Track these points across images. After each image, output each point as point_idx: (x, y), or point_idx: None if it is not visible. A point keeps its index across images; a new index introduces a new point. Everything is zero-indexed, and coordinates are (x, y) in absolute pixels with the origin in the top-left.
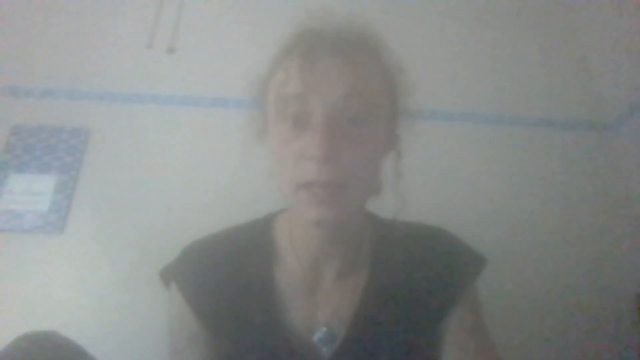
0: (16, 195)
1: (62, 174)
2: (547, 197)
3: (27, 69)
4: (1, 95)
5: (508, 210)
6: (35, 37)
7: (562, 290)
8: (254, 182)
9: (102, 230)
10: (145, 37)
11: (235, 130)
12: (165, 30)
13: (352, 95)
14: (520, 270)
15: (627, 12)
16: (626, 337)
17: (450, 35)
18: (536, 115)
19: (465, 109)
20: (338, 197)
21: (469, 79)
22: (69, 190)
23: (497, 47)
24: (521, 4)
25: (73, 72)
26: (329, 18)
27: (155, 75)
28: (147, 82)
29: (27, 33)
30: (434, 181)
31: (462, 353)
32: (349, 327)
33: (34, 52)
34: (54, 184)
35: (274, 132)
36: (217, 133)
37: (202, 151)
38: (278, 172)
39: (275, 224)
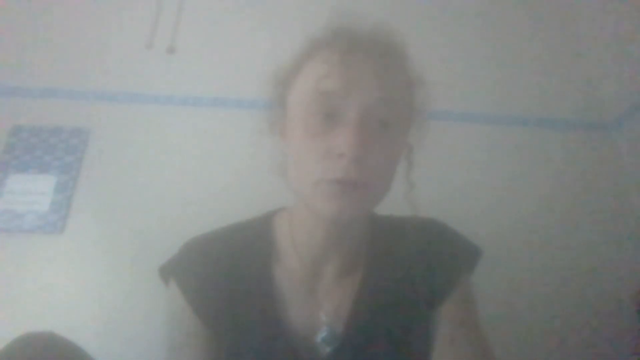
0: (16, 195)
1: (62, 174)
2: (547, 197)
3: (27, 69)
4: (1, 95)
5: (508, 210)
6: (35, 37)
7: (562, 290)
8: (255, 181)
9: (102, 230)
10: (145, 37)
11: (235, 130)
12: (165, 30)
13: (386, 100)
14: (520, 270)
15: (627, 11)
16: (626, 337)
17: (450, 35)
18: (536, 115)
19: (465, 109)
20: (357, 196)
21: (469, 79)
22: (69, 191)
23: (497, 47)
24: (521, 3)
25: (73, 72)
26: (358, 20)
27: (155, 75)
28: (147, 82)
29: (27, 33)
30: (434, 181)
31: (452, 346)
32: (346, 324)
33: (34, 52)
34: (54, 184)
35: (299, 124)
36: (216, 133)
37: (202, 151)
38: (297, 164)
39: (275, 222)
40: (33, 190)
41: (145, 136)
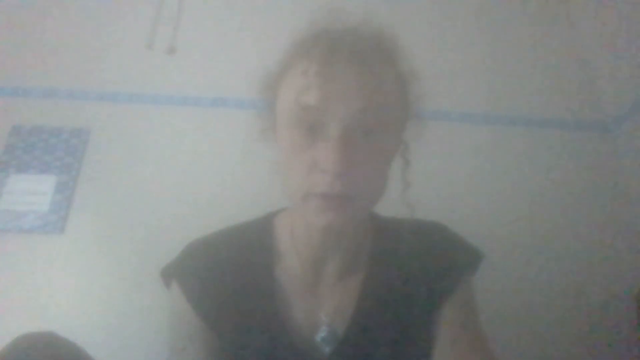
0: (16, 195)
1: (62, 174)
2: (547, 197)
3: (27, 69)
4: (1, 95)
5: (507, 210)
6: (36, 37)
7: (562, 290)
8: (254, 182)
9: (102, 231)
10: (145, 37)
11: (235, 130)
12: (165, 30)
13: (369, 109)
14: (520, 271)
15: (627, 11)
16: (626, 337)
17: (449, 35)
18: (536, 115)
19: (465, 109)
20: (348, 206)
21: (469, 79)
22: (69, 191)
23: (497, 47)
24: (521, 3)
25: (73, 72)
26: (344, 18)
27: (155, 75)
28: (147, 82)
29: (27, 33)
30: (434, 181)
31: (452, 348)
32: (348, 325)
33: (34, 52)
34: (54, 184)
35: (285, 136)
36: (217, 133)
37: (202, 151)
38: (286, 177)
39: (275, 223)
40: (33, 190)
41: (145, 136)
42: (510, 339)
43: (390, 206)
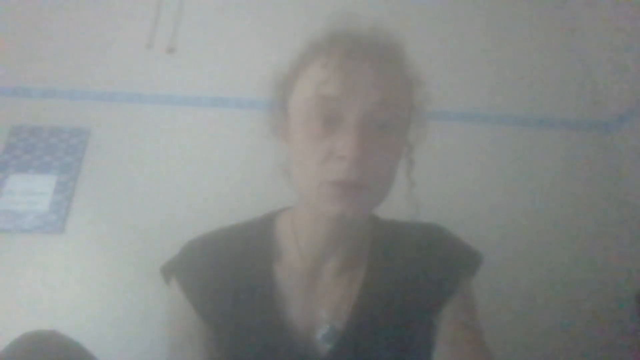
0: (16, 195)
1: (62, 174)
2: (547, 197)
3: (27, 69)
4: (1, 95)
5: (507, 210)
6: (36, 37)
7: (562, 290)
8: (255, 181)
9: (102, 230)
10: (145, 37)
11: (235, 130)
12: (165, 30)
13: (386, 103)
14: (520, 271)
15: (627, 11)
16: (626, 337)
17: (450, 36)
18: (536, 115)
19: (465, 109)
20: (360, 196)
21: (469, 79)
22: (69, 190)
23: (497, 47)
24: (521, 3)
25: (73, 72)
26: (355, 22)
27: (155, 75)
28: (147, 82)
29: (27, 33)
30: (434, 181)
31: (452, 348)
32: (347, 322)
33: (34, 52)
34: (54, 184)
35: (300, 128)
36: (216, 133)
37: (202, 151)
38: (299, 167)
39: (276, 222)
40: (33, 190)
41: (145, 136)
42: (510, 339)
43: (395, 206)
